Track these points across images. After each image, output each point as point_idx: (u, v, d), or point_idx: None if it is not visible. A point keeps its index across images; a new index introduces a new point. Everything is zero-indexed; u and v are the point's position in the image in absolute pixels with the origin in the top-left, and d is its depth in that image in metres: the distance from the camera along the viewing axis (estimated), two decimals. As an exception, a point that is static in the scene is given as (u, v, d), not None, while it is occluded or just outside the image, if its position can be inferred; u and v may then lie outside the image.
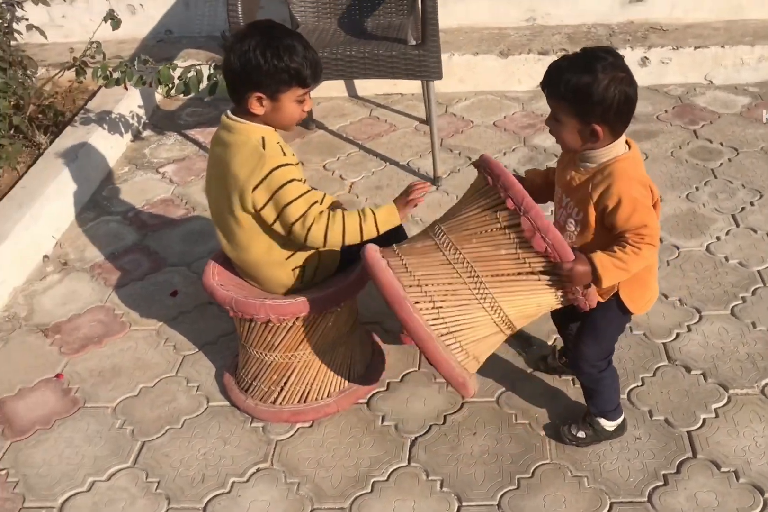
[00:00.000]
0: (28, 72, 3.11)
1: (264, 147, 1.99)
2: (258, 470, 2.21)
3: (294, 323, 2.19)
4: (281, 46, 1.93)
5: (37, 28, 3.20)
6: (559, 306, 1.95)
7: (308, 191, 2.05)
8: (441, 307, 1.86)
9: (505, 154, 3.55)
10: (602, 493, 2.08)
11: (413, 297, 1.84)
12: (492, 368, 2.39)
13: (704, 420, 2.27)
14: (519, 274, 1.84)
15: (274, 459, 2.24)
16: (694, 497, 2.06)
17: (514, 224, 1.80)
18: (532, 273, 1.84)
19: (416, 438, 2.27)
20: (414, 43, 3.18)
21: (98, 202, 3.40)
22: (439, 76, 3.08)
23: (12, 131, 3.23)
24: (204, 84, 2.99)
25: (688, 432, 2.24)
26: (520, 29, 4.19)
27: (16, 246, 2.94)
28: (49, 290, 2.92)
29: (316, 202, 2.04)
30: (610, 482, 2.11)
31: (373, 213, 2.09)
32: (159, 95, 4.06)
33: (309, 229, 2.02)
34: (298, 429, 2.33)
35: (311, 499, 2.11)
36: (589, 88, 1.74)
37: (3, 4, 3.03)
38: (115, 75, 2.95)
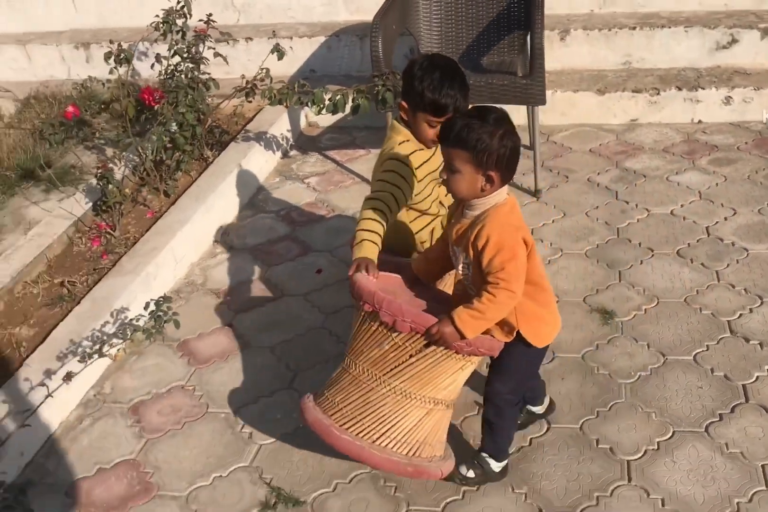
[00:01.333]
0: (209, 93, 3.87)
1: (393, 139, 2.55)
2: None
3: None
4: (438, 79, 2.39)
5: (221, 55, 3.96)
6: (472, 365, 2.17)
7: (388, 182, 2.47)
8: (363, 418, 2.15)
9: (599, 174, 4.09)
10: (667, 424, 2.57)
11: (338, 421, 2.15)
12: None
13: (757, 377, 2.73)
14: (410, 357, 2.07)
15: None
16: (743, 430, 2.52)
17: (380, 321, 2.05)
18: (419, 351, 2.06)
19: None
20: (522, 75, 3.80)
21: (255, 203, 4.11)
22: (543, 102, 3.68)
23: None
24: (348, 105, 3.67)
25: (743, 385, 2.70)
26: (616, 71, 4.77)
27: (193, 231, 3.65)
28: (219, 266, 3.61)
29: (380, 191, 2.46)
30: (674, 416, 2.59)
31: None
32: (303, 124, 4.81)
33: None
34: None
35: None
36: (486, 138, 1.94)
37: (198, 36, 3.81)
38: (279, 96, 3.67)
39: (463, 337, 2.01)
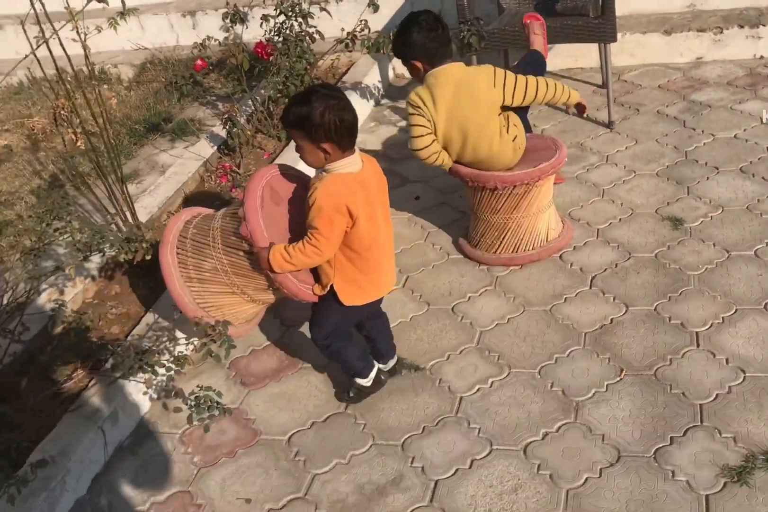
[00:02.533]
0: (312, 45, 4.37)
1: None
2: (485, 291, 3.27)
3: (512, 190, 3.24)
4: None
5: (325, 9, 4.43)
6: (273, 288, 2.63)
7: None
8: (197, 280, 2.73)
9: (667, 106, 4.47)
10: (730, 303, 2.99)
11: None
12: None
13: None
14: (246, 252, 2.56)
15: (496, 284, 3.30)
16: (798, 307, 2.92)
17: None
18: (248, 252, 2.54)
19: (595, 276, 3.26)
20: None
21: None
22: (614, 39, 4.07)
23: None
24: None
25: (799, 272, 3.10)
26: (682, 14, 5.10)
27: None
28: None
29: None
30: (737, 297, 3.00)
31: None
32: (391, 75, 5.28)
33: None
34: (511, 269, 3.38)
35: (522, 305, 3.15)
36: (308, 115, 2.22)
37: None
38: (376, 45, 4.15)
39: (270, 269, 2.42)
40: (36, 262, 2.87)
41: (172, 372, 2.58)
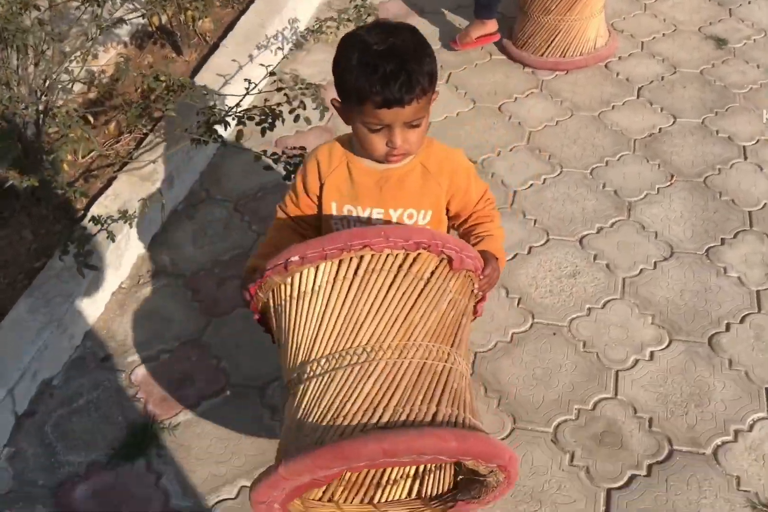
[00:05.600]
0: None
1: None
2: (531, 93, 3.24)
3: None
4: None
5: None
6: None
7: None
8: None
9: None
10: None
11: None
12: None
13: None
14: (462, 316, 1.55)
15: (543, 87, 3.26)
16: None
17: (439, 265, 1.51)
18: (466, 306, 1.57)
19: (642, 86, 3.25)
20: None
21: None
22: None
23: None
24: None
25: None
26: None
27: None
28: None
29: None
30: (780, 118, 3.06)
31: None
32: None
33: None
34: (557, 74, 3.33)
35: (570, 109, 3.14)
36: (434, 67, 1.55)
37: None
38: None
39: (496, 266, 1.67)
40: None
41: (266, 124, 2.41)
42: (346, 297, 1.45)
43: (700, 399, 2.12)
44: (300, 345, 1.46)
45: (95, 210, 2.45)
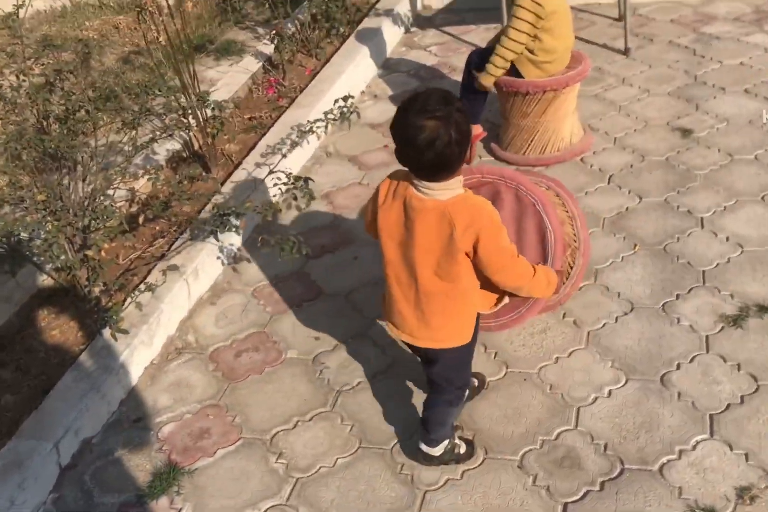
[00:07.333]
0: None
1: None
2: (514, 185, 3.66)
3: (542, 95, 3.62)
4: None
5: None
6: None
7: None
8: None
9: (679, 37, 4.83)
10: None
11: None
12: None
13: (805, 168, 3.52)
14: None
15: (524, 180, 3.69)
16: None
17: None
18: None
19: (613, 174, 3.66)
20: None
21: (389, 65, 4.99)
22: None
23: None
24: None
25: (793, 173, 3.50)
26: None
27: (347, 81, 4.53)
28: (369, 107, 4.50)
29: None
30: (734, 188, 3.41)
31: None
32: (419, 6, 5.63)
33: None
34: (537, 169, 3.77)
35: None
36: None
37: None
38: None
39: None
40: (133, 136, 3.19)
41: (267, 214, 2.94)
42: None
43: (650, 426, 2.39)
44: None
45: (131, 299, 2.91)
